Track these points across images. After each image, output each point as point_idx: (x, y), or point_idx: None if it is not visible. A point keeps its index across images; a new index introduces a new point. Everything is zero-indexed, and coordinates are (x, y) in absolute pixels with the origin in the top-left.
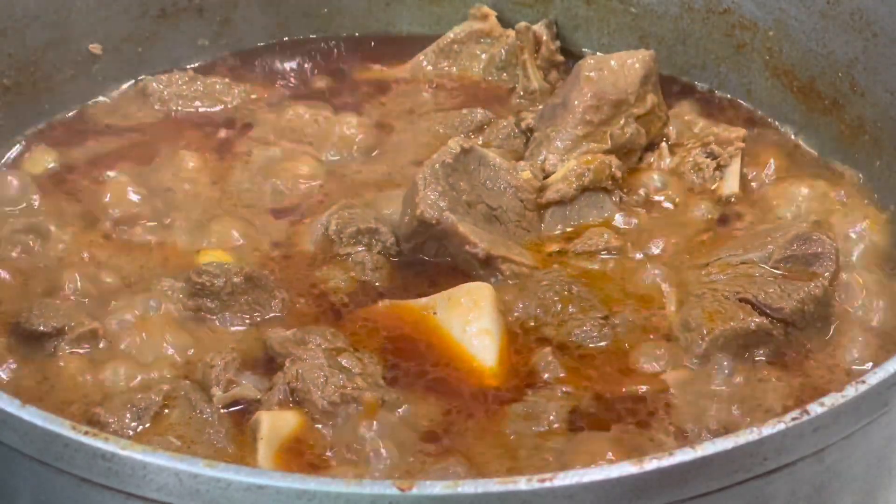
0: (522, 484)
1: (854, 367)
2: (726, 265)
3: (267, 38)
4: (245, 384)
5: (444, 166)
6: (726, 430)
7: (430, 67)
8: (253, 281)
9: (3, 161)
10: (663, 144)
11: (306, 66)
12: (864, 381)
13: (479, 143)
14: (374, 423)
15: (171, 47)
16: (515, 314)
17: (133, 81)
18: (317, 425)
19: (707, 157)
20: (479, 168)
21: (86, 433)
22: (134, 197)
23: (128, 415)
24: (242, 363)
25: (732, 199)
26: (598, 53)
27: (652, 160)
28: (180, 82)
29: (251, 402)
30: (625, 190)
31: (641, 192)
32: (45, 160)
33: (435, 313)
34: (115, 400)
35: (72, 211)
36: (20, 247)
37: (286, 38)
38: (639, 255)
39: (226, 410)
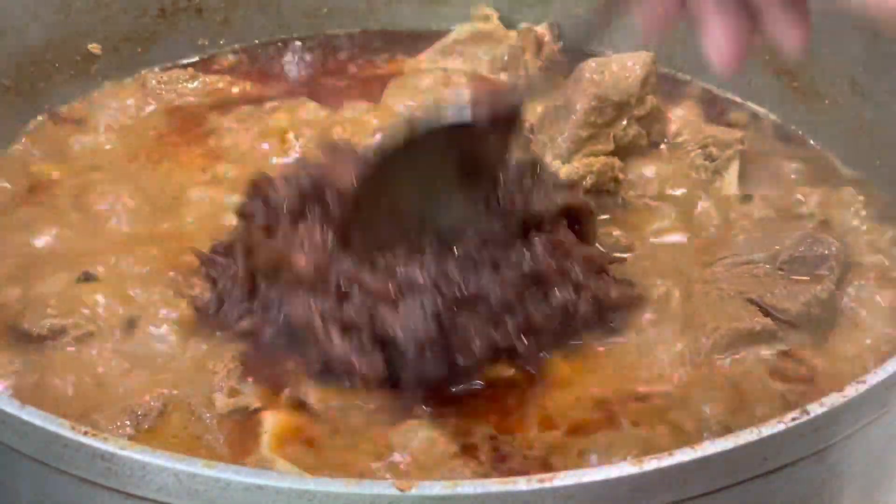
0: (522, 484)
1: (856, 369)
2: (731, 265)
3: (267, 37)
4: (247, 392)
5: None
6: (727, 430)
7: (431, 68)
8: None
9: (2, 160)
10: (662, 146)
11: (306, 65)
12: (863, 381)
13: None
14: (378, 425)
15: (171, 47)
16: None
17: (133, 81)
18: (321, 427)
19: (706, 160)
20: None
21: (85, 433)
22: (134, 198)
23: (127, 420)
24: (244, 371)
25: (732, 200)
26: (599, 51)
27: (651, 162)
28: (180, 81)
29: (253, 409)
30: (626, 191)
31: (642, 193)
32: (44, 159)
33: None
34: (113, 405)
35: (71, 211)
36: (17, 246)
37: (286, 38)
38: (642, 256)
39: (226, 418)
